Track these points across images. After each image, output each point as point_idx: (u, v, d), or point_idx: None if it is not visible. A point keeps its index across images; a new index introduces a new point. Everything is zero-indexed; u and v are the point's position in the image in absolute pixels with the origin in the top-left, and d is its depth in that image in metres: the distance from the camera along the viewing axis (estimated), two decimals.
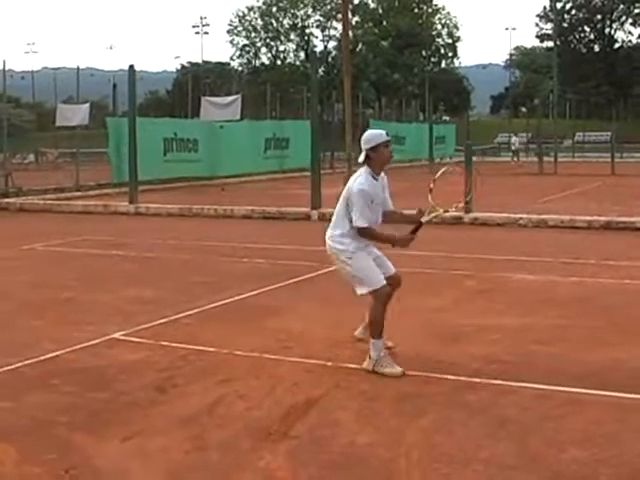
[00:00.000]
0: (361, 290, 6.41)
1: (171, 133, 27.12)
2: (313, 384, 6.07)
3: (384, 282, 6.36)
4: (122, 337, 7.59)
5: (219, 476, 4.50)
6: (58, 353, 7.07)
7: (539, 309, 8.54)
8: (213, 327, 7.94)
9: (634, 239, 14.22)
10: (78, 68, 29.84)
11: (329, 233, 6.56)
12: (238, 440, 5.00)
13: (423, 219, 6.46)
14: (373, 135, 6.46)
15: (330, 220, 6.66)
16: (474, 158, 51.72)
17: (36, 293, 9.83)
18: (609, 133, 57.74)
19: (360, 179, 6.39)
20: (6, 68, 27.61)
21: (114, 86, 30.01)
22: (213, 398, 5.79)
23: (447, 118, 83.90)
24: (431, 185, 6.58)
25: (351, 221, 6.37)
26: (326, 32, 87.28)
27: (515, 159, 44.58)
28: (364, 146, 6.35)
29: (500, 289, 9.72)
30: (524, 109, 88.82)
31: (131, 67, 20.43)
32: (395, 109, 71.11)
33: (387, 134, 6.48)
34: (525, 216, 16.21)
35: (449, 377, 6.17)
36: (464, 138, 53.28)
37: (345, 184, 18.89)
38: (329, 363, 6.56)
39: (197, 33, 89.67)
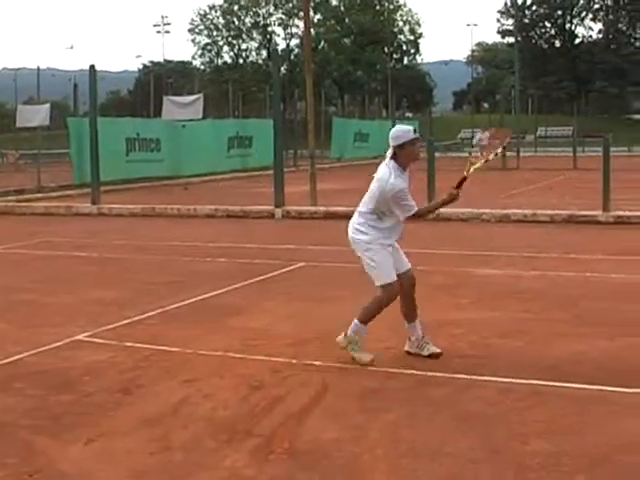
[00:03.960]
0: (375, 281, 6.44)
1: (134, 133, 26.93)
2: (278, 382, 6.06)
3: (395, 279, 6.38)
4: (86, 339, 7.53)
5: (183, 476, 4.47)
6: (21, 356, 6.99)
7: (502, 303, 8.61)
8: (176, 327, 7.90)
9: (595, 232, 14.38)
10: (38, 68, 29.52)
11: (353, 220, 6.56)
12: (202, 440, 4.98)
13: (466, 172, 6.51)
14: (401, 132, 6.39)
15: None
16: (437, 154, 52.00)
17: None
18: (571, 128, 58.40)
19: (392, 179, 6.28)
20: None
21: (75, 86, 29.76)
22: (177, 398, 5.76)
23: (410, 114, 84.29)
24: (482, 142, 6.66)
25: (378, 216, 6.39)
26: (288, 30, 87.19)
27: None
28: (391, 143, 6.32)
29: (464, 284, 9.77)
30: (486, 105, 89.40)
31: (92, 67, 20.25)
32: (358, 106, 71.34)
33: (415, 131, 6.40)
34: (488, 211, 16.31)
35: (412, 372, 6.20)
36: (427, 134, 53.81)
37: (311, 181, 18.84)
38: (294, 361, 6.56)
39: (158, 32, 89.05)
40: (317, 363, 6.52)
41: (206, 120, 32.93)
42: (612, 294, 9.02)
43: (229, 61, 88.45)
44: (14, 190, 25.69)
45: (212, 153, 30.20)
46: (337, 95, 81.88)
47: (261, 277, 10.46)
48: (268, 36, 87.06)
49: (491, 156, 6.81)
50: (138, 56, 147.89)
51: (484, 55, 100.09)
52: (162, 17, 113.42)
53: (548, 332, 7.34)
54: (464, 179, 6.48)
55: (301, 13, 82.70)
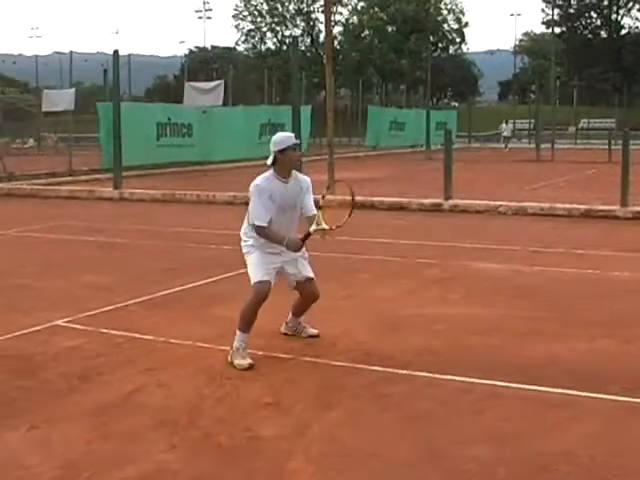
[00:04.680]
0: (251, 280, 6.43)
1: (165, 118, 27.01)
2: (238, 373, 5.99)
3: (265, 279, 6.30)
4: (64, 324, 7.52)
5: (109, 467, 4.41)
6: None
7: (492, 299, 8.43)
8: (157, 314, 7.87)
9: (610, 227, 14.06)
10: (71, 53, 29.72)
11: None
12: (143, 430, 4.92)
13: (311, 229, 6.37)
14: (282, 137, 6.39)
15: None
16: (476, 144, 51.51)
17: None
18: (614, 120, 57.50)
19: (258, 178, 6.34)
20: (16, 53, 27.59)
21: (105, 71, 29.90)
22: (132, 387, 5.72)
23: (455, 104, 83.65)
24: (320, 203, 6.43)
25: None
26: (331, 17, 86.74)
27: (506, 146, 44.06)
28: (273, 148, 6.28)
29: (459, 278, 9.60)
30: (532, 95, 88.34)
31: (115, 52, 20.30)
32: (401, 95, 70.93)
33: (295, 137, 6.44)
34: (505, 203, 16.06)
35: (376, 368, 6.07)
36: (469, 125, 53.35)
37: (329, 170, 18.80)
38: (260, 352, 6.46)
39: (200, 18, 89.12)
40: (284, 356, 6.43)
41: (238, 107, 32.90)
42: (609, 292, 8.80)
43: (272, 47, 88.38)
44: (45, 173, 25.94)
45: (243, 139, 30.14)
46: (379, 83, 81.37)
47: None
48: (311, 23, 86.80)
49: (341, 222, 6.40)
50: (182, 42, 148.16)
51: (531, 45, 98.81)
52: (204, 3, 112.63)
53: (528, 331, 7.16)
54: (309, 234, 6.33)
55: (345, 0, 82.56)
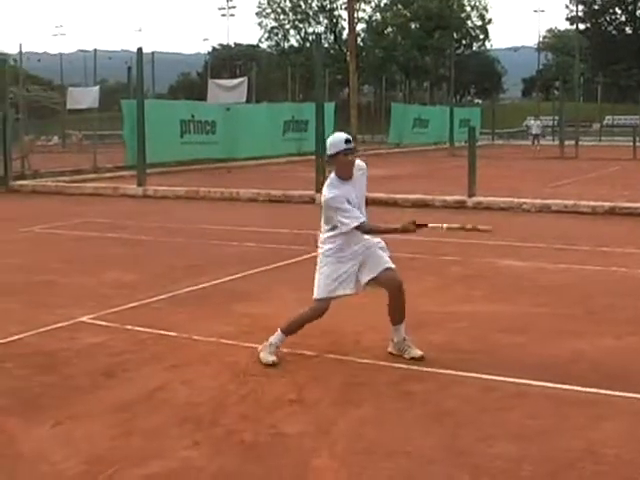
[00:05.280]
0: (314, 292, 6.23)
1: (188, 115, 27.13)
2: (262, 371, 5.99)
3: (330, 297, 6.17)
4: (89, 320, 7.55)
5: (135, 464, 4.41)
6: (21, 336, 7.04)
7: (516, 296, 8.38)
8: (181, 311, 7.88)
9: (635, 225, 13.95)
10: (95, 51, 29.91)
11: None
12: (167, 427, 4.93)
13: (431, 225, 6.27)
14: (333, 142, 6.03)
15: None
16: (500, 141, 51.13)
17: (18, 276, 9.82)
18: (639, 117, 57.03)
19: (326, 189, 6.11)
20: (40, 50, 27.82)
21: (129, 69, 30.04)
22: (157, 384, 5.73)
23: (479, 101, 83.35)
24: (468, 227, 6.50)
25: (331, 228, 6.16)
26: (355, 14, 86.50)
27: (536, 144, 42.96)
28: (327, 152, 6.06)
29: (483, 275, 9.56)
30: (556, 92, 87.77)
31: (139, 50, 20.38)
32: (424, 92, 70.74)
33: (349, 141, 6.02)
34: (529, 201, 15.97)
35: (401, 366, 6.05)
36: (493, 121, 53.15)
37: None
38: (284, 350, 6.44)
39: (223, 15, 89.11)
40: (308, 353, 6.41)
41: (262, 104, 32.96)
42: (634, 290, 8.74)
43: (295, 45, 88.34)
44: (70, 170, 26.08)
45: (267, 136, 30.22)
46: (403, 80, 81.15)
47: (282, 263, 10.39)
48: (334, 20, 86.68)
49: (469, 225, 6.57)
50: (205, 39, 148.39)
51: (555, 42, 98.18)
52: (227, 0, 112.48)
53: (553, 329, 7.12)
54: (425, 225, 6.20)
55: None
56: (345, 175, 6.09)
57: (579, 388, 5.55)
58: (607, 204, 15.36)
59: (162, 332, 7.09)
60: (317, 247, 6.35)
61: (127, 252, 11.66)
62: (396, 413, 5.11)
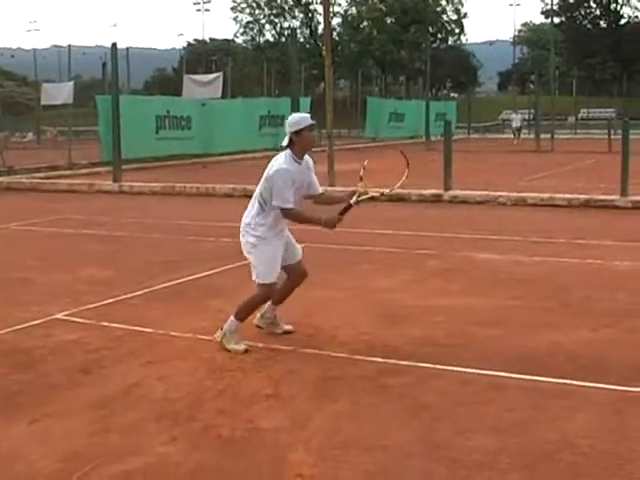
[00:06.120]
0: (254, 277, 6.38)
1: (164, 110, 26.97)
2: (238, 366, 5.97)
3: (274, 281, 6.36)
4: (64, 317, 7.51)
5: (113, 460, 4.40)
6: None
7: (492, 290, 8.41)
8: (157, 307, 7.86)
9: (610, 217, 14.04)
10: (69, 46, 29.69)
11: (242, 225, 6.45)
12: (144, 423, 4.91)
13: (352, 201, 6.32)
14: (298, 118, 6.35)
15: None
16: (475, 135, 51.30)
17: None
18: (614, 110, 57.44)
19: (280, 160, 6.27)
20: (14, 47, 27.61)
21: (104, 64, 29.84)
22: (133, 380, 5.71)
23: (455, 95, 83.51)
24: (361, 173, 6.47)
25: (265, 205, 6.27)
26: (330, 9, 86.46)
27: (517, 137, 42.93)
28: (289, 129, 6.22)
29: (460, 269, 9.58)
30: (532, 86, 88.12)
31: (113, 45, 20.28)
32: (400, 86, 70.80)
33: (311, 118, 6.33)
34: (505, 194, 16.04)
35: (377, 360, 6.06)
36: (469, 115, 53.29)
37: (329, 162, 18.78)
38: (260, 345, 6.46)
39: (198, 10, 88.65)
40: (283, 348, 6.41)
41: (237, 99, 32.86)
42: (610, 282, 8.78)
43: (271, 39, 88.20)
44: (45, 167, 25.91)
45: (243, 131, 30.10)
46: (378, 75, 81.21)
47: None
48: (310, 15, 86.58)
49: (386, 190, 6.75)
50: (180, 34, 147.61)
51: (530, 35, 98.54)
52: None
53: (529, 321, 7.15)
54: (349, 206, 6.29)
55: None
56: (303, 152, 6.29)
57: (555, 380, 5.59)
58: (583, 197, 15.46)
59: (138, 328, 7.06)
60: (241, 234, 6.42)
61: (103, 248, 11.60)
62: (373, 407, 5.12)
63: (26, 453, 4.55)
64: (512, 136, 43.41)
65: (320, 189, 6.60)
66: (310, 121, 6.26)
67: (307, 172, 6.41)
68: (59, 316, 7.54)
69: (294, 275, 6.57)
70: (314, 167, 6.57)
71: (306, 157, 6.42)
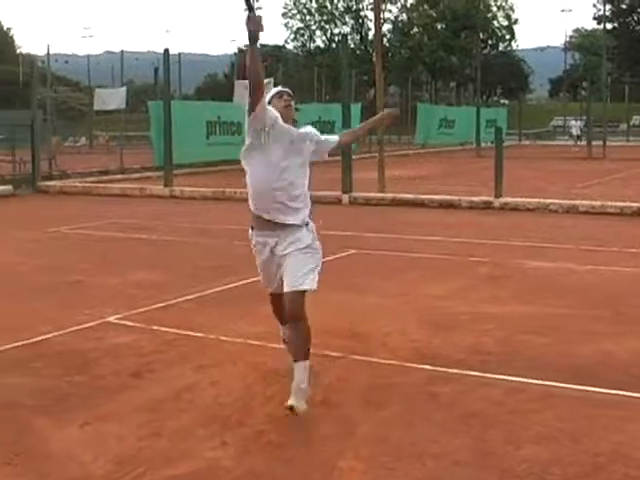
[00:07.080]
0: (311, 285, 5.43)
1: (214, 116, 27.18)
2: (288, 372, 5.96)
3: (270, 291, 5.89)
4: (116, 321, 7.60)
5: (162, 464, 4.43)
6: (49, 336, 7.10)
7: (544, 298, 8.33)
8: (208, 312, 7.91)
9: None
10: (122, 52, 30.04)
11: None
12: (194, 428, 4.94)
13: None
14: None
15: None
16: (526, 142, 50.88)
17: (46, 276, 9.90)
18: None
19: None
20: (69, 52, 28.04)
21: (155, 70, 30.17)
22: (184, 384, 5.75)
23: (505, 101, 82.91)
24: None
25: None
26: (380, 15, 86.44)
27: (578, 144, 42.21)
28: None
29: (512, 277, 9.51)
30: (583, 92, 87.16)
31: (166, 51, 20.50)
32: (451, 93, 70.51)
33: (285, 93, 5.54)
34: (556, 201, 15.88)
35: (427, 367, 6.03)
36: (519, 122, 52.86)
37: (379, 167, 18.74)
38: (310, 351, 6.45)
39: None
40: (335, 354, 6.41)
41: None
42: None
43: (322, 46, 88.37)
44: (97, 171, 26.25)
45: None
46: (429, 81, 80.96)
47: None
48: (360, 21, 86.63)
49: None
50: (232, 40, 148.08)
51: (581, 42, 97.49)
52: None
53: (581, 330, 7.07)
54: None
55: None
56: (283, 120, 5.42)
57: (607, 390, 5.51)
58: (635, 205, 15.24)
59: (189, 333, 7.12)
60: (285, 223, 5.67)
61: (154, 252, 11.72)
62: (422, 415, 5.09)
63: (79, 455, 4.60)
64: (571, 143, 43.14)
65: (335, 136, 5.99)
66: (276, 90, 5.60)
67: (303, 136, 5.58)
68: (111, 319, 7.63)
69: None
70: (325, 139, 5.88)
71: (306, 128, 5.77)
